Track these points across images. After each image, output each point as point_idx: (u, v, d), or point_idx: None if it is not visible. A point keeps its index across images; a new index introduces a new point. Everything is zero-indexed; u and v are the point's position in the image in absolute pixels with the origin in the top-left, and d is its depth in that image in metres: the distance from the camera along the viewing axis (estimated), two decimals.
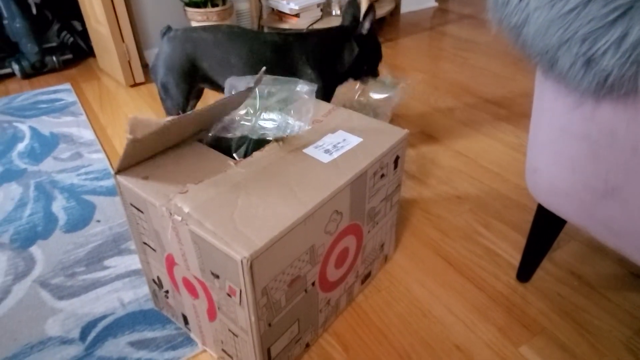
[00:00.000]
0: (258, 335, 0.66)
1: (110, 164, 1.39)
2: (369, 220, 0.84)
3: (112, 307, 0.92)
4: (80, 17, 2.08)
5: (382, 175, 0.81)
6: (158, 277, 0.82)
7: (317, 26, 2.14)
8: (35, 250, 1.07)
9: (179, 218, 0.63)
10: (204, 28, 1.19)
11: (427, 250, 1.05)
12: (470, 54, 2.13)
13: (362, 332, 0.87)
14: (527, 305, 0.91)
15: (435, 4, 2.85)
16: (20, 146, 1.50)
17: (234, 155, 0.77)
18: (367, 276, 0.94)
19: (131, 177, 0.71)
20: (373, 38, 1.24)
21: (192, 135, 0.80)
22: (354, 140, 0.80)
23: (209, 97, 1.69)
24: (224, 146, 0.79)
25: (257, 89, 0.79)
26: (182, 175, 0.71)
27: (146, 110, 1.72)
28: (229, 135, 0.77)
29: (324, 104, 0.93)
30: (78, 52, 2.19)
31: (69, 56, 2.13)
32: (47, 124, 1.63)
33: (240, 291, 0.61)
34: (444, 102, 1.71)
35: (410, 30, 2.46)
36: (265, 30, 2.27)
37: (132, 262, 1.02)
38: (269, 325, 0.68)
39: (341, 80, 1.27)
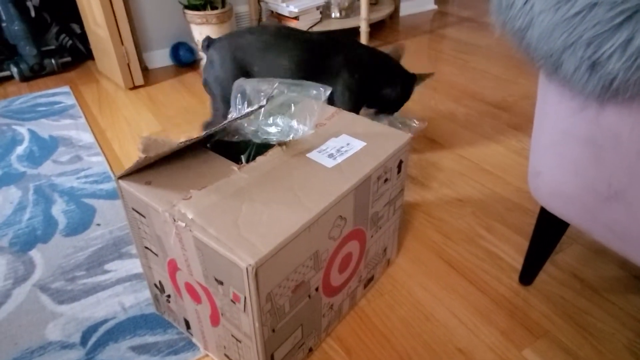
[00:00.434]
0: (262, 341, 0.66)
1: (110, 167, 1.39)
2: (372, 225, 0.84)
3: (113, 311, 0.91)
4: (79, 20, 2.08)
5: (386, 180, 0.81)
6: (160, 282, 0.81)
7: (316, 29, 2.14)
8: (35, 254, 1.06)
9: (183, 224, 0.63)
10: (250, 31, 1.17)
11: (430, 253, 1.05)
12: (471, 57, 2.13)
13: (365, 336, 0.86)
14: (530, 308, 0.91)
15: (435, 7, 2.85)
16: (19, 149, 1.50)
17: (242, 157, 0.77)
18: (370, 280, 0.94)
19: (134, 182, 0.70)
20: (411, 89, 1.33)
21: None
22: (358, 145, 0.80)
23: None
24: (227, 150, 0.78)
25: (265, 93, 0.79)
26: (185, 180, 0.71)
27: (145, 113, 1.71)
28: (233, 140, 0.76)
29: (327, 106, 0.92)
30: (77, 54, 2.18)
31: (68, 59, 2.12)
32: (46, 127, 1.63)
33: (245, 298, 0.61)
34: (445, 105, 1.71)
35: (410, 33, 2.46)
36: None
37: (133, 266, 1.02)
38: (273, 331, 0.67)
39: (366, 100, 1.29)
